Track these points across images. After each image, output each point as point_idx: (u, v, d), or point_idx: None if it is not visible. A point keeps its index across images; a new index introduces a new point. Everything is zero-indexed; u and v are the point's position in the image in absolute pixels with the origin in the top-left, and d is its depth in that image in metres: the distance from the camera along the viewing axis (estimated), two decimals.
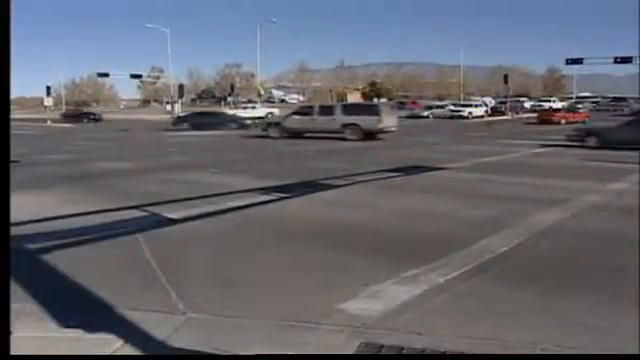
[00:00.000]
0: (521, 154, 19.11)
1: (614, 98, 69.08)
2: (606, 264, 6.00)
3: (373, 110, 27.74)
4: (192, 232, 7.69)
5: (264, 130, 29.51)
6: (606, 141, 20.96)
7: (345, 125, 25.58)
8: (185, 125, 39.40)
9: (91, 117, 60.59)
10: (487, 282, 5.40)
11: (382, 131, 25.88)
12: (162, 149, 22.78)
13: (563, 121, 40.33)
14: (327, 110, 27.34)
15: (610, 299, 4.86)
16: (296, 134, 26.91)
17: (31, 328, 4.18)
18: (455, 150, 20.70)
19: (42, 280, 5.59)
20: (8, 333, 2.47)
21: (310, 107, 29.34)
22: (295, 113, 28.86)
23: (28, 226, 7.38)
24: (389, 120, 26.83)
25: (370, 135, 25.41)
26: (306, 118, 27.07)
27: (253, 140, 27.60)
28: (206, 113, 46.81)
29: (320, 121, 26.45)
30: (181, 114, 48.11)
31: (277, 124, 28.81)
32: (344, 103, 34.64)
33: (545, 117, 43.10)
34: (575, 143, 21.94)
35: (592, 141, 21.46)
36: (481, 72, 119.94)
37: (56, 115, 61.00)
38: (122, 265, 6.15)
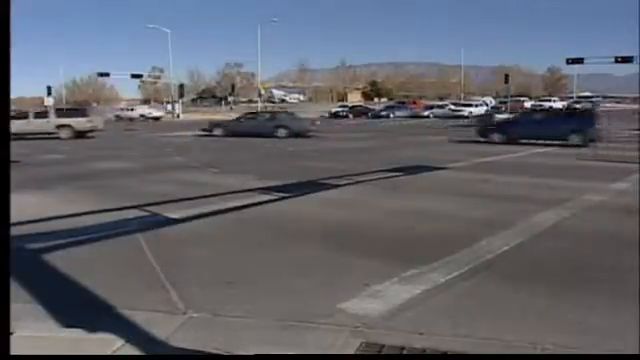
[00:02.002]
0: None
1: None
2: (606, 264, 6.00)
3: (82, 112, 32.31)
4: (190, 231, 7.69)
5: None
6: (510, 136, 22.56)
7: (59, 126, 29.64)
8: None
9: (148, 116, 56.72)
10: (488, 282, 5.40)
11: (91, 130, 30.58)
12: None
13: None
14: (42, 114, 31.22)
15: (610, 299, 4.86)
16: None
17: (31, 328, 4.18)
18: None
19: (42, 280, 5.59)
20: (8, 333, 2.46)
21: (25, 112, 31.53)
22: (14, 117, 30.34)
23: (28, 226, 7.38)
24: (97, 121, 32.20)
25: (81, 134, 29.58)
26: (23, 121, 28.88)
27: None
28: None
29: (36, 123, 29.73)
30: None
31: None
32: (57, 107, 37.48)
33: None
34: (481, 138, 23.66)
35: (496, 136, 23.10)
36: (482, 72, 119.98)
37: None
38: (122, 265, 6.15)
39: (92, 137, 29.94)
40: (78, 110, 33.67)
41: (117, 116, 57.09)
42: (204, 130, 31.46)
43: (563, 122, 22.65)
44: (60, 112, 31.67)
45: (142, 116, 56.20)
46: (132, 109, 62.01)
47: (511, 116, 30.04)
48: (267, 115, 32.53)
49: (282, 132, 28.13)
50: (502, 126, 24.74)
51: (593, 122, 20.74)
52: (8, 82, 2.27)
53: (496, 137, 22.94)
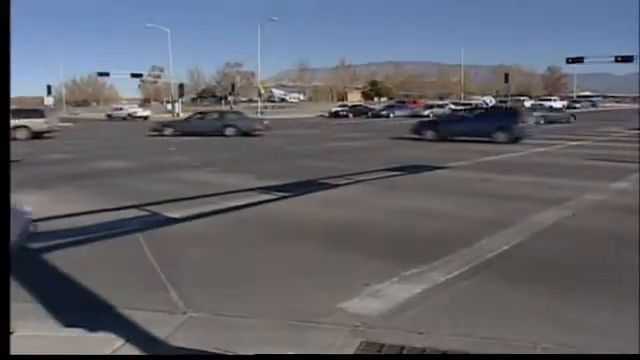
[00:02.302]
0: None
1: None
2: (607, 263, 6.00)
3: (39, 113, 32.24)
4: (190, 231, 7.69)
5: None
6: (441, 133, 23.78)
7: (15, 127, 28.92)
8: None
9: (134, 115, 56.33)
10: (488, 281, 5.41)
11: (48, 131, 30.48)
12: None
13: None
14: None
15: (610, 298, 4.86)
16: None
17: (31, 327, 4.18)
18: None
19: (42, 279, 5.59)
20: (8, 333, 2.46)
21: None
22: None
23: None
24: (52, 121, 32.33)
25: (38, 135, 29.63)
26: None
27: None
28: None
29: None
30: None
31: None
32: (15, 108, 37.81)
33: None
34: (415, 135, 24.78)
35: (428, 134, 24.21)
36: (482, 71, 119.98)
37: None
38: (122, 264, 6.15)
39: (50, 137, 29.74)
40: (35, 111, 33.47)
41: (109, 115, 57.88)
42: (154, 130, 31.91)
43: (490, 120, 23.85)
44: (16, 113, 31.03)
45: (129, 115, 57.19)
46: (122, 109, 63.57)
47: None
48: (216, 115, 33.12)
49: (230, 131, 29.09)
50: (434, 124, 26.29)
51: (517, 120, 22.79)
52: (8, 82, 2.26)
53: (429, 134, 24.22)
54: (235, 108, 68.47)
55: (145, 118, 57.41)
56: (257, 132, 29.83)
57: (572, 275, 5.60)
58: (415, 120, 33.29)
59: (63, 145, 25.17)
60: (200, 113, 35.39)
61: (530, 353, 3.81)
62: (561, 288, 5.18)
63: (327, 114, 60.13)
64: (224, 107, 74.58)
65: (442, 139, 23.14)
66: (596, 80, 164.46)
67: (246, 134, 29.11)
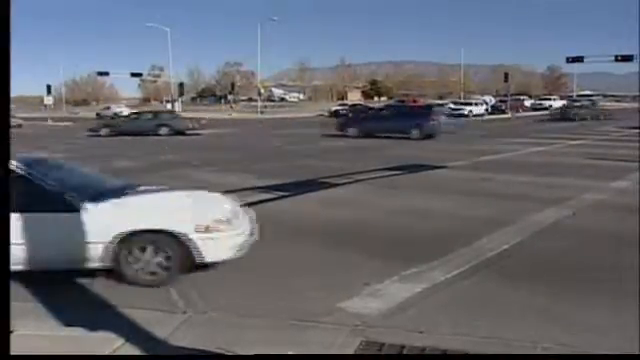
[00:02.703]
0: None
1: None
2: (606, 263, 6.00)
3: None
4: None
5: None
6: (361, 130, 25.40)
7: None
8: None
9: (119, 114, 57.69)
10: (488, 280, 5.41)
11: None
12: None
13: None
14: None
15: (610, 298, 4.86)
16: None
17: (32, 326, 4.18)
18: None
19: (43, 278, 5.58)
20: (8, 332, 2.46)
21: None
22: None
23: None
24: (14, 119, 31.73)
25: None
26: None
27: None
28: None
29: None
30: None
31: None
32: None
33: None
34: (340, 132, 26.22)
35: (352, 131, 25.74)
36: (482, 71, 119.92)
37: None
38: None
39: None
40: None
41: (98, 114, 58.63)
42: (92, 130, 32.16)
43: (406, 118, 25.63)
44: None
45: (115, 114, 58.26)
46: (109, 108, 65.35)
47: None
48: (150, 115, 33.45)
49: (164, 130, 29.55)
50: (356, 121, 28.25)
51: (430, 119, 24.64)
52: (8, 82, 2.27)
53: (351, 131, 25.84)
54: (235, 107, 68.47)
55: (128, 116, 57.91)
56: (191, 131, 30.08)
57: (572, 275, 5.60)
58: None
59: None
60: (135, 113, 35.93)
61: (530, 353, 3.81)
62: (561, 288, 5.18)
63: (327, 113, 60.08)
64: (224, 106, 74.61)
65: (365, 136, 24.72)
66: (596, 79, 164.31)
67: (180, 133, 29.47)
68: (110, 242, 5.15)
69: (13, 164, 5.11)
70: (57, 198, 5.22)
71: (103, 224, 5.19)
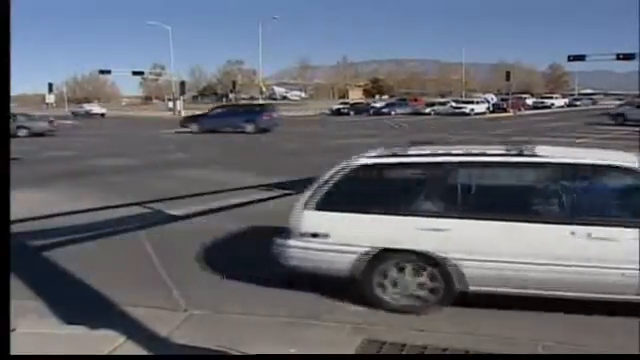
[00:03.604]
0: None
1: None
2: None
3: None
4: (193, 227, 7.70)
5: None
6: (202, 126, 28.81)
7: None
8: None
9: (91, 112, 58.65)
10: None
11: None
12: None
13: None
14: None
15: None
16: None
17: (32, 325, 4.18)
18: None
19: (43, 277, 5.59)
20: (9, 331, 2.46)
21: None
22: None
23: (29, 223, 7.39)
24: None
25: None
26: None
27: None
28: None
29: None
30: None
31: None
32: None
33: None
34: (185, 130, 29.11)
35: (194, 127, 29.03)
36: (483, 69, 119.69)
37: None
38: (124, 262, 6.15)
39: None
40: None
41: (73, 112, 59.10)
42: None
43: (241, 115, 29.47)
44: None
45: (87, 112, 59.04)
46: (82, 106, 66.07)
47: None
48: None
49: (23, 132, 28.22)
50: (197, 118, 31.11)
51: (262, 115, 28.76)
52: (8, 82, 2.26)
53: (193, 127, 29.04)
54: None
55: (102, 115, 59.24)
56: (49, 132, 29.38)
57: None
58: (417, 117, 33.39)
59: None
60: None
61: (531, 353, 3.79)
62: None
63: (328, 112, 60.01)
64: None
65: (205, 131, 27.65)
66: (597, 78, 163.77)
67: (38, 134, 28.45)
68: None
69: None
70: None
71: None
